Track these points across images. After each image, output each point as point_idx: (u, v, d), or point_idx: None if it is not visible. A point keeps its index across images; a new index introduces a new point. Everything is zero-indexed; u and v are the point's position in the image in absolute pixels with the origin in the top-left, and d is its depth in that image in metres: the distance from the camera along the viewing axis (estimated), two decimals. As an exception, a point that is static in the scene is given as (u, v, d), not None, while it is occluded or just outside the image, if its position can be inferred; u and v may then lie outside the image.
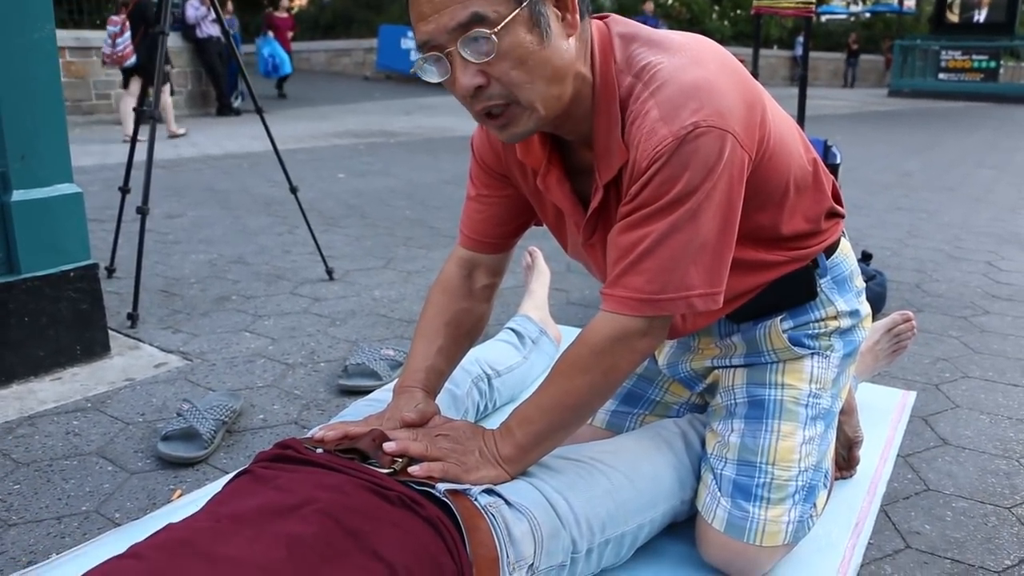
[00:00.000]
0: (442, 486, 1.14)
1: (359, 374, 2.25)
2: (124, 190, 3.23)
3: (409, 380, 1.39)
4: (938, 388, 2.27)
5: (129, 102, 8.05)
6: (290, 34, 14.32)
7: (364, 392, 2.19)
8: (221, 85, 11.24)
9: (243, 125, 9.71)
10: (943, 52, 19.11)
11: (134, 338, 2.61)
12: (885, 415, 2.01)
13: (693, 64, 1.11)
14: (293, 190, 3.28)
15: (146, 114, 2.95)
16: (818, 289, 1.36)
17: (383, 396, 1.56)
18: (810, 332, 1.38)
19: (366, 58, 18.30)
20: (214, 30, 10.79)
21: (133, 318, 2.72)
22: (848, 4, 33.62)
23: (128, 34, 8.19)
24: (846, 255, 1.42)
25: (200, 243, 3.90)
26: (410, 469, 1.17)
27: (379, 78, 17.36)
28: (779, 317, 1.37)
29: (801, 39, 18.39)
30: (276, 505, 1.06)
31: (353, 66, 18.57)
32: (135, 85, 8.29)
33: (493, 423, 1.92)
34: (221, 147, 7.65)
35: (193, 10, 10.86)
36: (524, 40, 1.06)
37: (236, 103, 11.42)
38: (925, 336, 2.66)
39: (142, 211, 2.80)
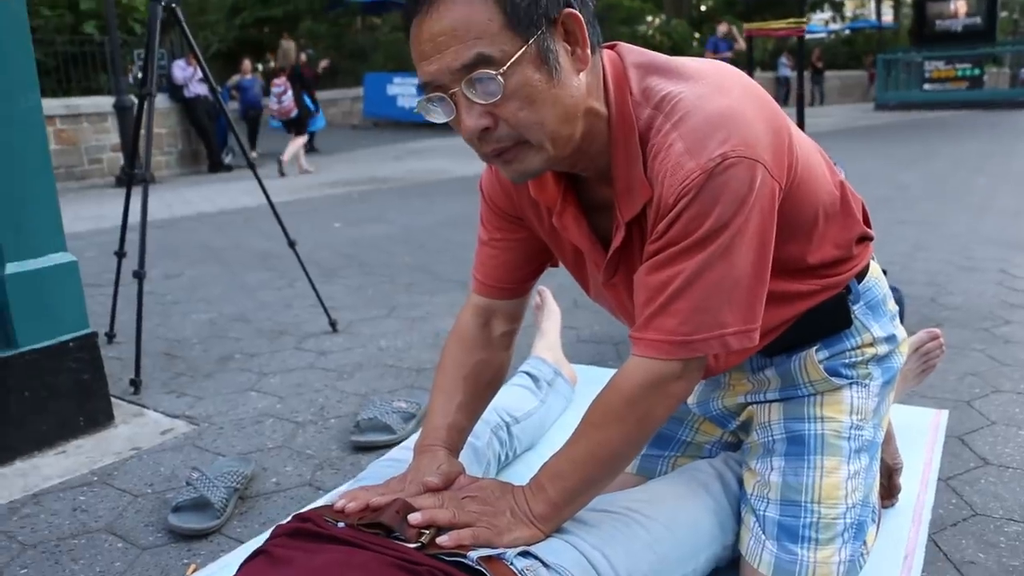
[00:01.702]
0: (474, 553, 1.07)
1: (372, 429, 2.18)
2: (120, 254, 3.17)
3: (429, 439, 1.33)
4: (970, 405, 2.20)
5: (298, 142, 10.39)
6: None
7: (378, 448, 2.12)
8: (211, 142, 11.28)
9: (235, 181, 9.70)
10: (926, 63, 19.24)
11: (138, 404, 2.54)
12: (920, 436, 1.94)
13: (716, 92, 1.06)
14: (291, 244, 3.23)
15: (138, 176, 2.90)
16: (852, 316, 1.30)
17: (402, 455, 1.49)
18: (847, 361, 1.31)
19: (353, 107, 18.39)
20: (201, 89, 10.83)
21: (136, 384, 2.65)
22: (827, 22, 33.99)
23: (290, 92, 10.45)
24: (877, 278, 1.36)
25: (199, 302, 3.84)
26: (439, 540, 1.10)
27: (367, 126, 17.43)
28: (814, 348, 1.30)
29: (784, 59, 18.52)
30: None
31: (341, 116, 18.64)
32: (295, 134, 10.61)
33: (515, 471, 1.87)
34: (214, 204, 7.62)
35: (180, 71, 10.92)
36: (532, 79, 1.00)
37: (227, 159, 11.44)
38: (949, 351, 2.57)
39: (139, 275, 2.75)
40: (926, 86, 19.05)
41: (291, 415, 2.39)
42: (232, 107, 12.60)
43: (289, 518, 1.19)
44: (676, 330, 1.07)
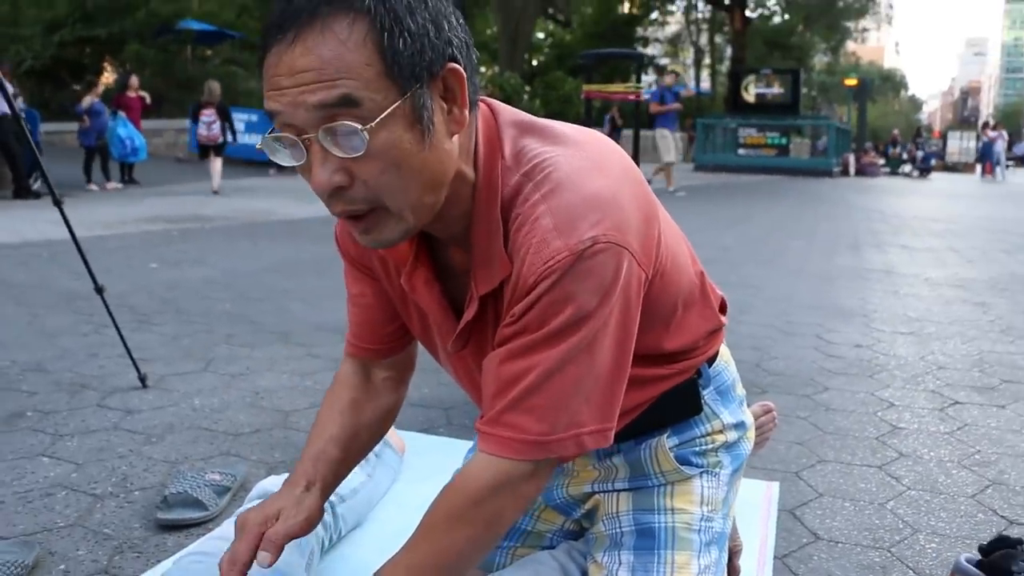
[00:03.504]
0: None
1: (180, 504, 1.96)
2: None
3: (295, 471, 1.21)
4: (798, 476, 2.23)
5: (218, 163, 11.83)
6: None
7: (187, 526, 1.91)
8: (18, 166, 10.42)
9: (43, 210, 8.95)
10: (740, 129, 20.65)
11: (-100, 474, 2.19)
12: (754, 511, 1.94)
13: (594, 169, 0.98)
14: (99, 290, 2.94)
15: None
16: (703, 402, 1.26)
17: (212, 547, 1.32)
18: (697, 449, 1.26)
19: (178, 139, 17.62)
20: (5, 107, 10.03)
21: (-101, 449, 2.30)
22: (651, 85, 35.90)
23: (218, 122, 11.82)
24: (727, 362, 1.33)
25: (-10, 348, 3.44)
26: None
27: (192, 159, 16.68)
28: (664, 435, 1.24)
29: (609, 116, 19.21)
30: None
31: (165, 147, 17.82)
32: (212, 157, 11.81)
33: (341, 553, 1.71)
34: (18, 234, 7.00)
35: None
36: (401, 139, 0.89)
37: (35, 185, 10.60)
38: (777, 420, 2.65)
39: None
40: (740, 151, 20.44)
41: (88, 486, 2.13)
42: (63, 129, 11.91)
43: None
44: (530, 429, 0.97)
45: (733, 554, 1.58)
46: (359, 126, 0.86)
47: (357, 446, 1.27)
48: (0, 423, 2.57)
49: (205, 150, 12.04)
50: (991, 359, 3.52)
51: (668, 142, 12.45)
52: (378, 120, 0.87)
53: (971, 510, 2.05)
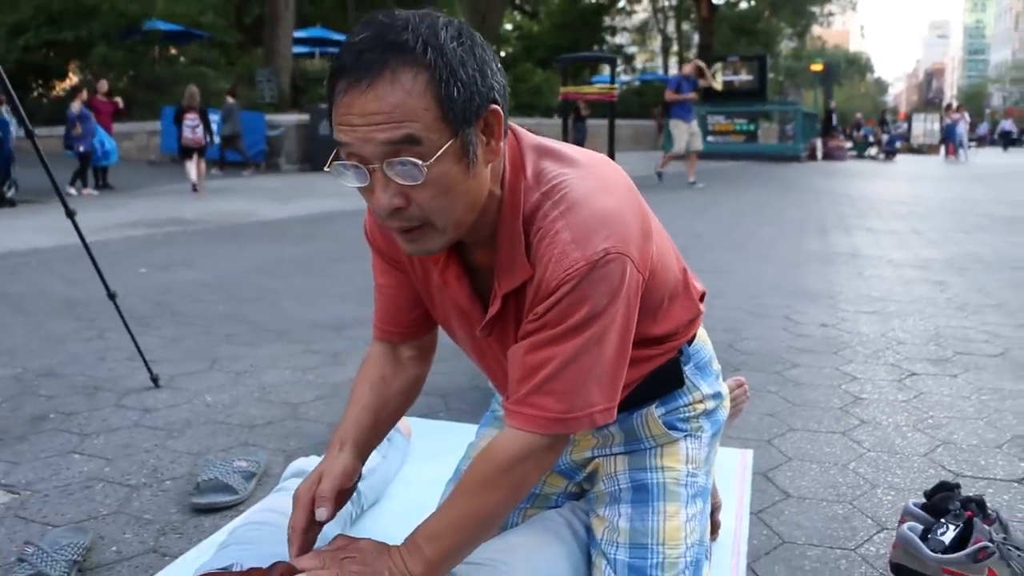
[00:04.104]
0: (361, 612, 1.13)
1: (212, 489, 2.15)
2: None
3: (335, 437, 1.40)
4: (770, 443, 2.46)
5: (202, 164, 12.63)
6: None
7: (220, 509, 2.10)
8: (-8, 175, 10.46)
9: (21, 217, 9.06)
10: (709, 116, 20.87)
11: (-58, 474, 2.36)
12: (731, 475, 2.16)
13: (603, 190, 1.19)
14: (111, 296, 3.11)
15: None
16: (684, 376, 1.47)
17: (265, 518, 1.52)
18: (681, 416, 1.48)
19: (150, 141, 17.58)
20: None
21: (-63, 451, 2.47)
22: (618, 75, 36.07)
23: (201, 126, 12.60)
24: (704, 341, 1.54)
25: (1, 355, 3.59)
26: (323, 602, 1.15)
27: (165, 162, 16.69)
28: (653, 405, 1.46)
29: (574, 107, 19.29)
30: None
31: (137, 150, 17.76)
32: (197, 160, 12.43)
33: (363, 527, 1.92)
34: (1, 243, 7.09)
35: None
36: (452, 171, 1.08)
37: (9, 193, 10.63)
38: (750, 394, 2.88)
39: (-56, 332, 2.57)
40: (709, 138, 20.62)
41: (122, 478, 2.32)
42: (48, 135, 11.89)
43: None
44: (553, 408, 1.18)
45: (714, 510, 1.80)
46: (420, 161, 1.06)
47: (387, 413, 1.47)
48: (27, 425, 2.74)
49: (188, 152, 12.52)
50: (946, 333, 3.79)
51: (681, 132, 12.36)
52: (435, 157, 1.06)
53: (923, 467, 2.30)
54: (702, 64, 13.31)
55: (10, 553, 1.89)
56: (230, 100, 15.33)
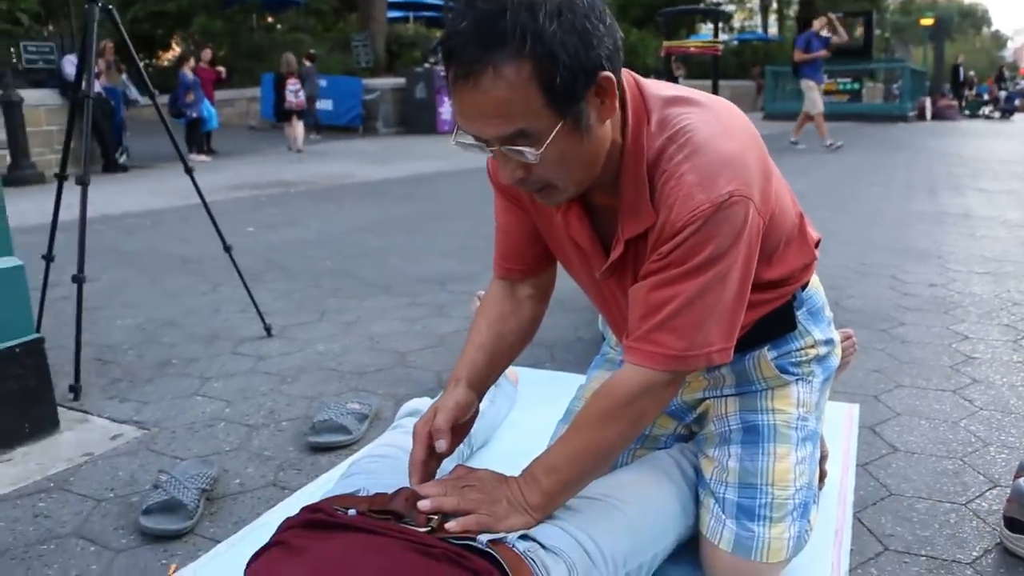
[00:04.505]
0: (484, 537, 1.19)
1: (327, 430, 2.25)
2: (48, 258, 3.13)
3: (454, 375, 1.47)
4: (877, 399, 2.43)
5: (300, 127, 13.20)
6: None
7: (335, 448, 2.20)
8: (106, 141, 10.91)
9: (133, 182, 9.46)
10: (810, 75, 20.13)
11: (81, 411, 2.53)
12: (837, 428, 2.15)
13: (726, 133, 1.20)
14: (227, 248, 3.25)
15: (80, 179, 2.88)
16: (797, 321, 1.47)
17: (385, 451, 1.60)
18: (793, 360, 1.49)
19: (250, 107, 18.06)
20: (96, 86, 10.49)
21: (76, 390, 2.64)
22: (717, 33, 35.20)
23: (303, 90, 13.33)
24: (817, 289, 1.54)
25: (123, 307, 3.80)
26: (447, 525, 1.21)
27: (265, 127, 17.13)
28: (765, 348, 1.47)
29: (673, 68, 18.92)
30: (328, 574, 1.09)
31: (237, 116, 18.29)
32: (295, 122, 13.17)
33: (473, 465, 1.98)
34: (117, 206, 7.42)
35: (71, 67, 10.54)
36: (565, 145, 1.12)
37: (122, 159, 11.11)
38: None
39: (79, 279, 2.74)
40: (811, 97, 19.94)
41: (242, 419, 2.44)
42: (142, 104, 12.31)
43: (298, 511, 1.28)
44: (673, 345, 1.21)
45: (821, 458, 1.80)
46: (532, 149, 1.11)
47: (503, 351, 1.51)
48: (152, 370, 2.91)
49: (287, 115, 13.20)
50: (1066, 294, 3.63)
51: (814, 93, 11.45)
52: (546, 144, 1.10)
53: (1040, 426, 2.24)
54: (833, 17, 12.28)
55: (145, 481, 2.03)
56: (308, 64, 15.63)
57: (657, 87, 1.28)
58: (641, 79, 1.28)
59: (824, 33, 11.68)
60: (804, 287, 1.49)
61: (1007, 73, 30.05)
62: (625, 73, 1.24)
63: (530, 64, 1.06)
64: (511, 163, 1.15)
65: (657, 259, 1.22)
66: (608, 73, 1.12)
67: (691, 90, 1.30)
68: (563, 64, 1.07)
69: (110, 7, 2.89)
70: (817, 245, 1.51)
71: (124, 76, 11.18)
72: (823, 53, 11.56)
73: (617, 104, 1.17)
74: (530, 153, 1.10)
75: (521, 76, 1.06)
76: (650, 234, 1.24)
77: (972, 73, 28.44)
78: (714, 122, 1.22)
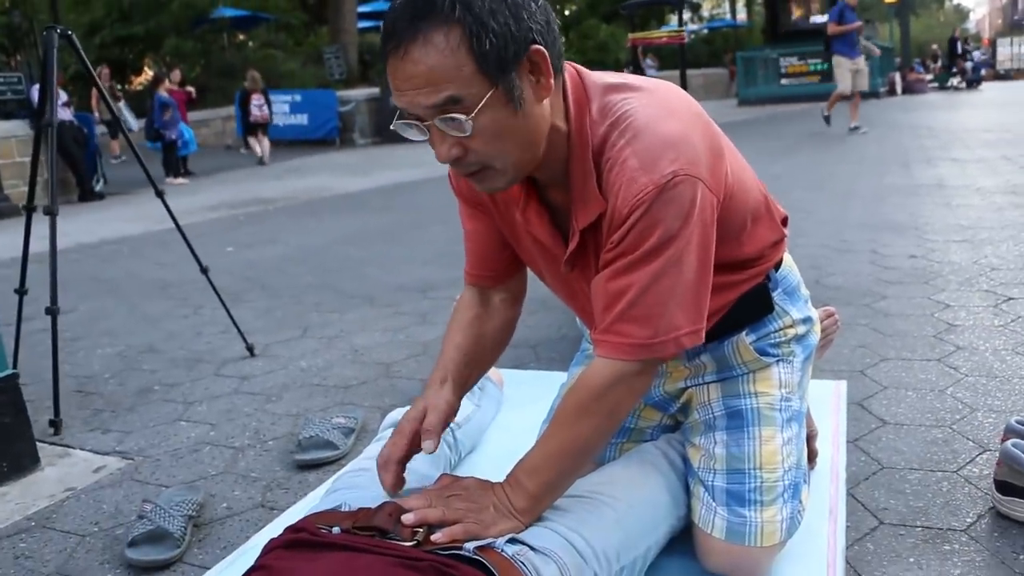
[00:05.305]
0: (470, 544, 1.17)
1: (314, 446, 2.23)
2: (21, 292, 3.09)
3: (430, 378, 1.46)
4: (863, 374, 2.43)
5: (266, 141, 13.96)
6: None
7: (322, 465, 2.17)
8: (80, 170, 10.83)
9: (110, 209, 9.38)
10: (782, 59, 20.27)
11: (62, 445, 2.50)
12: (825, 405, 2.14)
13: (667, 115, 1.19)
14: (203, 270, 3.21)
15: (47, 210, 2.84)
16: (773, 302, 1.46)
17: (368, 464, 1.57)
18: (772, 341, 1.47)
19: (225, 127, 17.96)
20: (66, 114, 10.41)
21: (56, 424, 2.60)
22: (685, 23, 35.30)
23: (267, 106, 13.83)
24: (791, 267, 1.53)
25: (103, 336, 3.76)
26: (433, 537, 1.19)
27: (241, 145, 17.04)
28: (743, 332, 1.45)
29: (648, 60, 18.97)
30: None
31: (214, 136, 18.18)
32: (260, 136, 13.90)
33: (463, 473, 1.96)
34: (94, 234, 7.36)
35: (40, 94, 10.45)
36: (499, 117, 1.11)
37: (98, 187, 11.03)
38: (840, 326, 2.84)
39: (52, 312, 2.71)
40: (783, 81, 20.06)
41: (227, 441, 2.41)
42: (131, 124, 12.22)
43: (281, 531, 1.25)
44: (637, 334, 1.19)
45: (810, 438, 1.79)
46: (464, 116, 1.09)
47: (481, 353, 1.51)
48: (134, 398, 2.87)
49: (252, 129, 13.89)
50: (1045, 257, 3.65)
51: (844, 70, 10.55)
52: (477, 109, 1.09)
53: (1025, 389, 2.23)
54: None
55: (130, 512, 2.00)
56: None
57: (599, 76, 1.27)
58: (583, 69, 1.27)
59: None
60: (777, 267, 1.48)
61: (970, 43, 30.09)
62: (567, 64, 1.23)
63: (459, 29, 1.06)
64: (447, 140, 1.13)
65: (611, 248, 1.20)
66: (540, 47, 1.12)
67: (633, 76, 1.29)
68: (493, 31, 1.07)
69: (69, 32, 2.85)
70: (785, 223, 1.50)
71: (122, 103, 11.09)
72: (858, 24, 10.65)
73: (552, 83, 1.15)
74: (463, 119, 1.08)
75: (450, 42, 1.06)
76: (603, 223, 1.22)
77: (935, 46, 28.53)
78: (655, 105, 1.21)
